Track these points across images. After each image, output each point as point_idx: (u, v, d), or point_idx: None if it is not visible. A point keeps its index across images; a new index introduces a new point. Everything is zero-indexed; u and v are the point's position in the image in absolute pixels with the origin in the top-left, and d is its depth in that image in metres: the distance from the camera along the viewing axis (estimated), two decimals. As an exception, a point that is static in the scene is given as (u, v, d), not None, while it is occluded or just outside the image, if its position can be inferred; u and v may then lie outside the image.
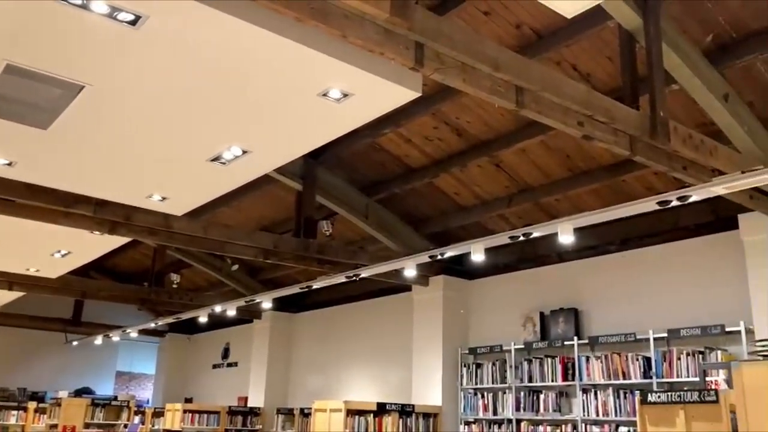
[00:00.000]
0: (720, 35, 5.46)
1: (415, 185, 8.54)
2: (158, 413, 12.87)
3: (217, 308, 10.50)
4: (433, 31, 3.75)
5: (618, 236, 7.95)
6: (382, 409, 8.64)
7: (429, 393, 9.25)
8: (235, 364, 14.57)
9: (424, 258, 7.07)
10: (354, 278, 8.00)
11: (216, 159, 5.31)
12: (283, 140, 5.04)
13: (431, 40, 3.75)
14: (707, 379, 6.20)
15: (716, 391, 4.52)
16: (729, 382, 5.23)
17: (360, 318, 11.56)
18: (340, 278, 8.14)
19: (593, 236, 7.98)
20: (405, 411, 8.73)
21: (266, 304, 10.69)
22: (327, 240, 9.37)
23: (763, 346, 3.22)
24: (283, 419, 11.88)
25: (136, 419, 11.83)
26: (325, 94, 4.32)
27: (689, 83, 5.41)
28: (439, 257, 6.91)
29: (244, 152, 5.16)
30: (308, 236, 8.12)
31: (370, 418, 8.60)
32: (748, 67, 5.58)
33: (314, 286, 8.74)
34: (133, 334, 13.60)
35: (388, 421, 8.61)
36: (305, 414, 10.88)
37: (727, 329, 6.58)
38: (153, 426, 12.76)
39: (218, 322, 14.02)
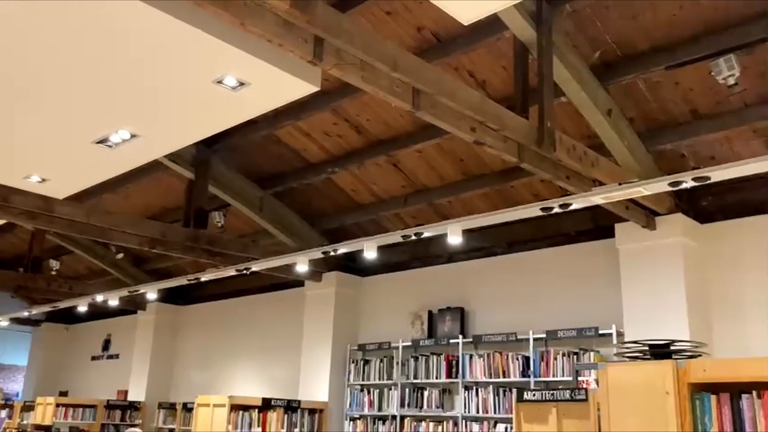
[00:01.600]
0: (607, 53, 5.76)
1: (313, 180, 8.50)
2: (28, 407, 12.13)
3: (99, 297, 10.02)
4: (334, 27, 3.74)
5: (504, 239, 8.25)
6: (267, 405, 8.53)
7: (316, 389, 9.24)
8: (117, 356, 13.97)
9: (317, 254, 7.04)
10: (244, 272, 7.86)
11: (102, 141, 5.06)
12: (174, 126, 4.87)
13: (331, 35, 3.74)
14: (580, 378, 6.54)
15: (586, 390, 4.78)
16: (599, 381, 5.53)
17: (250, 312, 11.37)
18: (230, 271, 7.98)
19: (482, 238, 8.23)
20: (291, 407, 8.67)
21: (151, 295, 10.32)
22: (218, 232, 9.16)
23: (627, 347, 3.44)
24: (165, 414, 11.51)
25: (2, 413, 11.10)
26: (220, 82, 4.21)
27: (576, 97, 5.69)
28: (332, 254, 6.91)
29: (133, 136, 4.95)
30: (198, 227, 7.90)
31: (255, 413, 8.47)
32: (630, 85, 5.92)
33: (203, 279, 8.52)
34: (4, 323, 12.75)
35: (273, 416, 8.52)
36: (188, 409, 10.58)
37: (601, 332, 6.96)
38: (22, 420, 12.01)
39: (99, 313, 13.40)
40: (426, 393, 8.30)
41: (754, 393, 2.88)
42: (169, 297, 12.23)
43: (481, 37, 5.81)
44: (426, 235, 6.03)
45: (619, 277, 6.80)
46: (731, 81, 5.31)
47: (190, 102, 4.51)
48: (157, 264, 11.80)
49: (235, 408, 8.36)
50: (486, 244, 8.38)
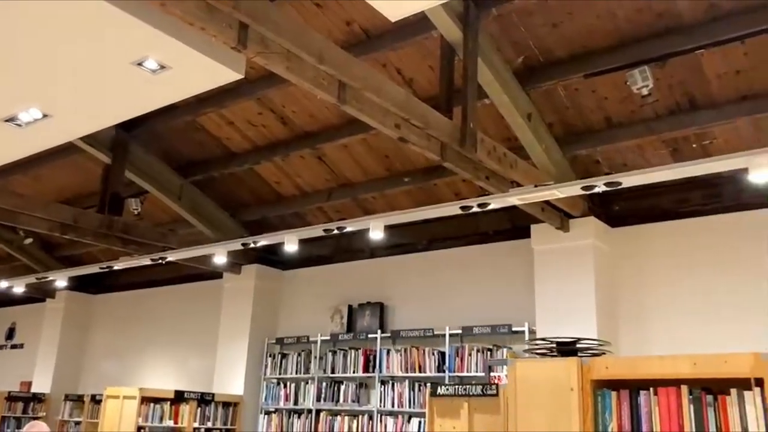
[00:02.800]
0: (529, 58, 5.91)
1: (235, 170, 8.35)
2: None
3: (3, 284, 9.53)
4: (260, 14, 3.69)
5: (425, 237, 8.35)
6: (180, 397, 8.35)
7: (231, 382, 9.11)
8: (21, 345, 13.32)
9: (236, 245, 6.93)
10: (160, 261, 7.65)
11: (11, 120, 4.80)
12: (89, 107, 4.68)
13: (257, 22, 3.69)
14: (492, 374, 6.71)
15: (497, 386, 4.91)
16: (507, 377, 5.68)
17: (166, 303, 11.08)
18: (145, 260, 7.75)
19: (403, 235, 8.31)
20: (204, 400, 8.51)
21: (61, 283, 9.91)
22: (134, 219, 8.88)
23: (536, 344, 3.55)
24: (72, 406, 11.06)
25: None
26: (140, 64, 4.08)
27: (499, 99, 5.82)
28: (252, 246, 6.82)
29: (45, 116, 4.72)
30: (113, 213, 7.64)
31: (167, 406, 8.28)
32: (551, 90, 6.10)
33: (116, 267, 8.24)
34: None
35: (186, 409, 8.35)
36: (96, 401, 10.22)
37: (514, 329, 7.16)
38: None
39: (4, 300, 12.75)
40: (343, 387, 8.32)
41: (651, 390, 3.03)
42: (80, 285, 11.77)
43: (409, 35, 5.85)
44: (348, 229, 6.03)
45: (533, 277, 7.00)
46: (645, 92, 5.55)
47: (108, 83, 4.34)
48: (69, 251, 11.32)
49: (146, 400, 8.15)
50: (407, 240, 8.46)
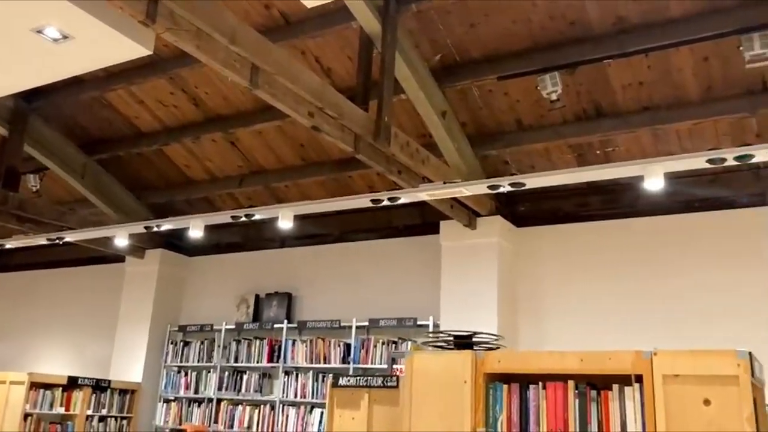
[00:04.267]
0: (446, 57, 5.99)
1: (143, 150, 8.07)
2: None
3: None
4: (171, -11, 3.56)
5: (338, 228, 8.34)
6: (73, 383, 8.00)
7: (130, 369, 8.81)
8: None
9: (138, 228, 6.69)
10: (57, 241, 7.29)
11: None
12: (-18, 73, 4.41)
13: (167, -3, 3.56)
14: (395, 366, 6.77)
15: (398, 378, 4.96)
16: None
17: (64, 286, 10.58)
18: (41, 240, 7.37)
19: (316, 226, 8.27)
20: (100, 386, 8.19)
21: (-53, 260, 9.28)
22: (32, 196, 8.43)
23: (433, 337, 3.61)
24: (-47, 392, 10.41)
25: None
26: (40, 31, 3.87)
27: (415, 95, 5.87)
28: (156, 229, 6.60)
29: (-69, 79, 4.42)
30: (9, 189, 7.21)
31: (59, 392, 7.92)
32: (465, 90, 6.21)
33: (8, 246, 7.79)
34: None
35: (79, 396, 8.01)
36: (-19, 387, 9.65)
37: (419, 322, 7.26)
38: None
39: None
40: (246, 376, 8.21)
41: (540, 384, 3.14)
42: (-33, 264, 11.10)
43: (329, 24, 5.80)
44: (257, 217, 5.94)
45: (439, 272, 7.12)
46: (554, 97, 5.73)
47: (5, 49, 4.10)
48: (-43, 226, 10.63)
49: (36, 386, 7.77)
50: (319, 231, 8.43)
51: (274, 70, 4.26)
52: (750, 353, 2.77)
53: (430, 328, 7.13)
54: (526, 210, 7.20)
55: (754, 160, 4.28)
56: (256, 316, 8.59)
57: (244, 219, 5.95)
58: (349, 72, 6.30)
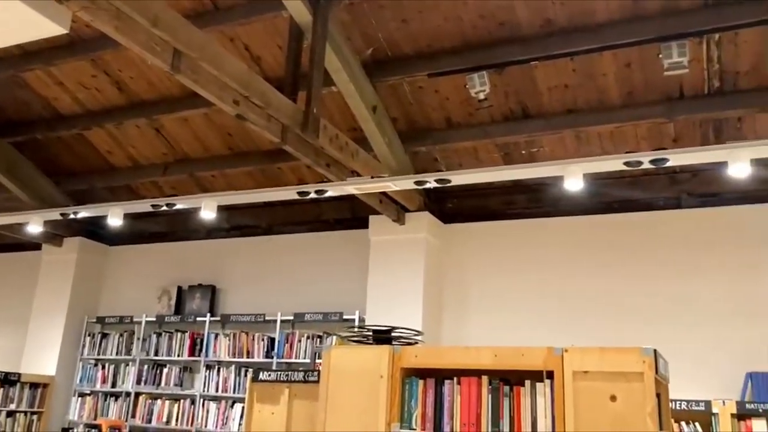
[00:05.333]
0: (378, 51, 5.97)
1: (62, 134, 7.73)
2: None
3: None
4: (88, -35, 3.40)
5: (266, 220, 8.22)
6: (-21, 377, 7.62)
7: (43, 362, 8.45)
8: None
9: (54, 215, 6.41)
10: (-35, 226, 6.91)
11: None
12: None
13: (83, -27, 3.40)
14: (318, 360, 6.73)
15: (319, 372, 4.91)
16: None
17: (-27, 273, 10.07)
18: (-52, 224, 6.97)
19: (244, 217, 8.13)
20: (8, 380, 7.83)
21: None
22: (-61, 178, 7.96)
23: (353, 332, 3.59)
24: None
25: None
26: (-57, 2, 3.63)
27: (345, 88, 5.81)
28: (73, 216, 6.34)
29: None
30: None
31: (-37, 386, 7.53)
32: (396, 86, 6.20)
33: None
34: None
35: (-14, 390, 7.64)
36: None
37: (345, 317, 7.23)
38: None
39: None
40: (166, 370, 8.00)
41: (455, 379, 3.16)
42: None
43: (259, 12, 5.67)
44: (179, 206, 5.78)
45: (367, 267, 7.11)
46: (482, 96, 5.79)
47: None
48: None
49: (-62, 380, 7.36)
50: (247, 223, 8.28)
51: (197, 55, 4.14)
52: (655, 350, 2.86)
53: (356, 323, 7.11)
54: (453, 207, 7.26)
55: (669, 164, 4.44)
56: (178, 309, 8.38)
57: (165, 208, 5.77)
58: (279, 61, 6.20)
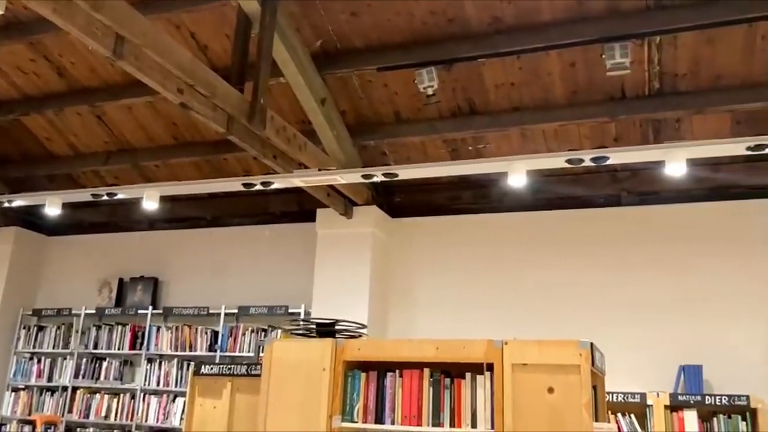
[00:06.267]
0: (327, 43, 5.93)
1: (-2, 120, 7.46)
2: None
3: None
4: (24, -56, 3.28)
5: (211, 212, 8.10)
6: None
7: (-26, 356, 8.16)
8: None
9: (-12, 202, 6.17)
10: None
11: None
12: None
13: (19, -48, 3.27)
14: (261, 354, 6.67)
15: (261, 365, 4.88)
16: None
17: None
18: None
19: (188, 208, 7.99)
20: (-63, 374, 7.52)
21: None
22: None
23: (296, 325, 3.57)
24: None
25: None
26: None
27: (294, 80, 5.76)
28: (8, 205, 6.11)
29: None
30: None
31: None
32: (346, 79, 6.18)
33: None
34: None
35: None
36: None
37: (290, 310, 7.19)
38: None
39: None
40: (105, 364, 7.81)
41: (398, 372, 3.18)
42: None
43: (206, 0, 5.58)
44: (120, 196, 5.63)
45: (314, 260, 7.08)
46: (430, 91, 5.81)
47: None
48: None
49: None
50: (191, 214, 8.14)
51: (140, 41, 4.03)
52: (592, 344, 2.93)
53: (302, 316, 7.08)
54: (401, 201, 7.30)
55: (610, 162, 4.54)
56: (119, 301, 8.19)
57: (106, 198, 5.62)
58: (227, 51, 6.09)
